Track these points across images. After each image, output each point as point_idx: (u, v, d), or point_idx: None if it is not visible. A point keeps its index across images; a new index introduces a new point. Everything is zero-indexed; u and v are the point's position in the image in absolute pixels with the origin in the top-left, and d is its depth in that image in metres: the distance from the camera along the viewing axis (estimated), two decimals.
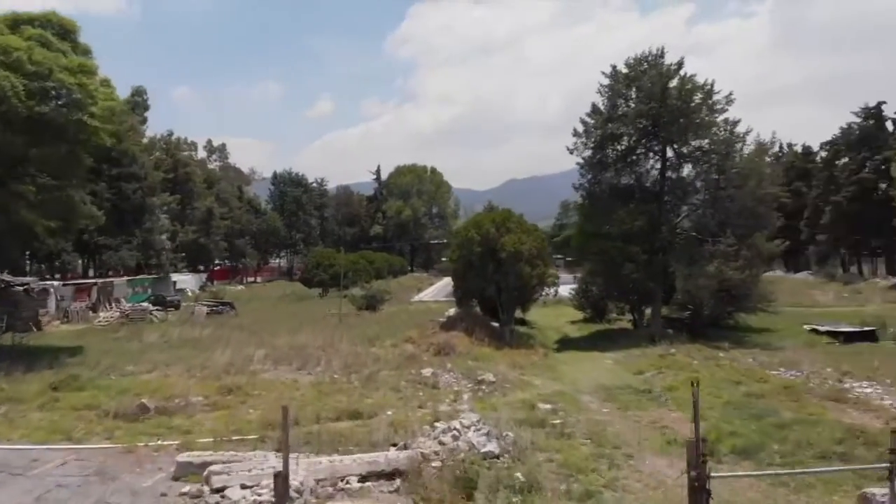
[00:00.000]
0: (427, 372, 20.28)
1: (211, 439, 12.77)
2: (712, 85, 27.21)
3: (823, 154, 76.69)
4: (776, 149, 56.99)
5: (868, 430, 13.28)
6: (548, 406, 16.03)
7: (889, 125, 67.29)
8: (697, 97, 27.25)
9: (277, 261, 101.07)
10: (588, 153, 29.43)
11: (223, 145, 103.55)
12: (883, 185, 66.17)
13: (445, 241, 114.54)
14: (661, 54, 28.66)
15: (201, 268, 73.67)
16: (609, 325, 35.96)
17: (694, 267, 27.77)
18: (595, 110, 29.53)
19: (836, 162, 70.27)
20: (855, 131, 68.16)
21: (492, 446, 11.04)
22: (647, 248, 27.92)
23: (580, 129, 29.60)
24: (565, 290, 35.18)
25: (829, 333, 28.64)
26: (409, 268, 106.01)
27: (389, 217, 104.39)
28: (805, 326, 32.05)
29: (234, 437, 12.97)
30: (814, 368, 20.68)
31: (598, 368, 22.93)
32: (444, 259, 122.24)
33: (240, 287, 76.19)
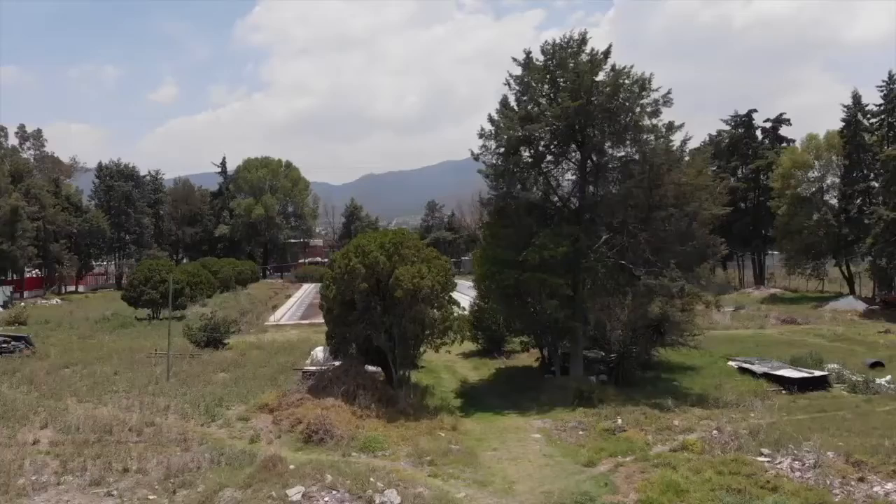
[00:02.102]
0: (295, 496, 13.30)
1: None
2: (649, 79, 22.08)
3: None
4: None
5: None
6: None
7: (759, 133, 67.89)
8: (629, 93, 22.04)
9: (105, 265, 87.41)
10: (496, 159, 23.45)
11: (38, 131, 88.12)
12: (750, 195, 66.75)
13: (303, 240, 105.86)
14: (584, 40, 23.24)
15: (6, 278, 60.65)
16: (507, 360, 30.45)
17: (625, 303, 22.73)
18: (506, 105, 23.62)
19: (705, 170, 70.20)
20: (724, 139, 67.98)
21: None
22: (569, 281, 22.41)
23: (487, 128, 23.59)
24: None
25: (770, 378, 24.75)
26: (262, 273, 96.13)
27: (238, 216, 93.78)
28: (730, 364, 28.28)
29: None
30: (809, 449, 15.98)
31: (529, 453, 16.97)
32: (303, 261, 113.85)
33: (55, 300, 63.69)
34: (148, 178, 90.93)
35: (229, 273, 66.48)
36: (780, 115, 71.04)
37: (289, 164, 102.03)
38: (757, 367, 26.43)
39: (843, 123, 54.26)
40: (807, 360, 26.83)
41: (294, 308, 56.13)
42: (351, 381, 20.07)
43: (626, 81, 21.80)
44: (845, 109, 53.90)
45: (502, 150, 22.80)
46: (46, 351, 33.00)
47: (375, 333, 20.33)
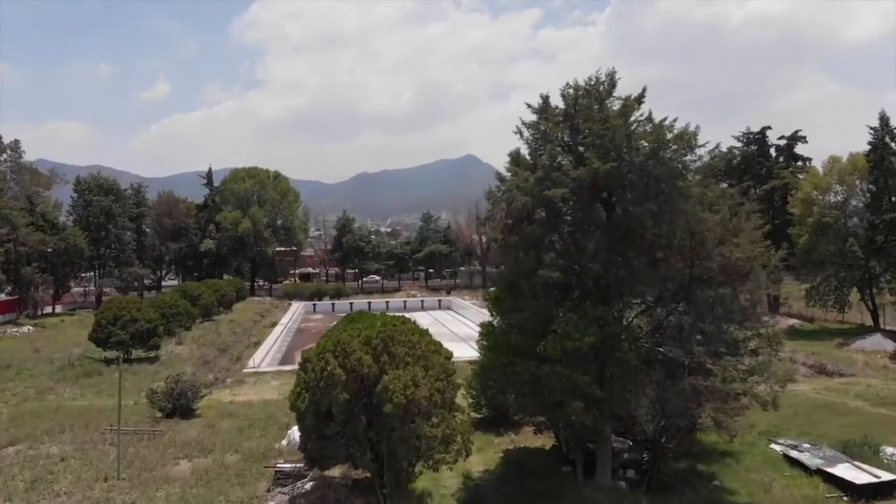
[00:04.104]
0: None
1: None
2: (695, 133, 18.14)
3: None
4: None
5: None
6: None
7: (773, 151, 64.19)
8: (672, 152, 18.14)
9: (84, 286, 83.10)
10: (507, 224, 19.56)
11: (16, 142, 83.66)
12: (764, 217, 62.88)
13: (292, 246, 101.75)
14: (613, 82, 19.35)
15: None
16: (515, 436, 26.60)
17: (665, 393, 18.99)
18: (517, 161, 19.74)
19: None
20: (736, 156, 64.21)
21: None
22: (597, 376, 18.57)
23: (497, 186, 19.74)
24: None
25: (826, 478, 21.06)
26: (251, 289, 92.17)
27: (224, 229, 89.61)
28: (774, 447, 24.55)
29: None
30: None
31: None
32: (294, 272, 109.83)
33: (27, 328, 59.55)
34: (129, 191, 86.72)
35: (210, 299, 62.37)
36: (796, 132, 67.40)
37: (277, 175, 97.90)
38: (808, 459, 22.68)
39: (870, 147, 50.59)
40: (861, 449, 23.13)
41: (278, 343, 52.18)
42: None
43: (669, 136, 17.89)
44: (872, 132, 50.23)
45: (517, 214, 18.85)
46: None
47: (359, 453, 16.46)
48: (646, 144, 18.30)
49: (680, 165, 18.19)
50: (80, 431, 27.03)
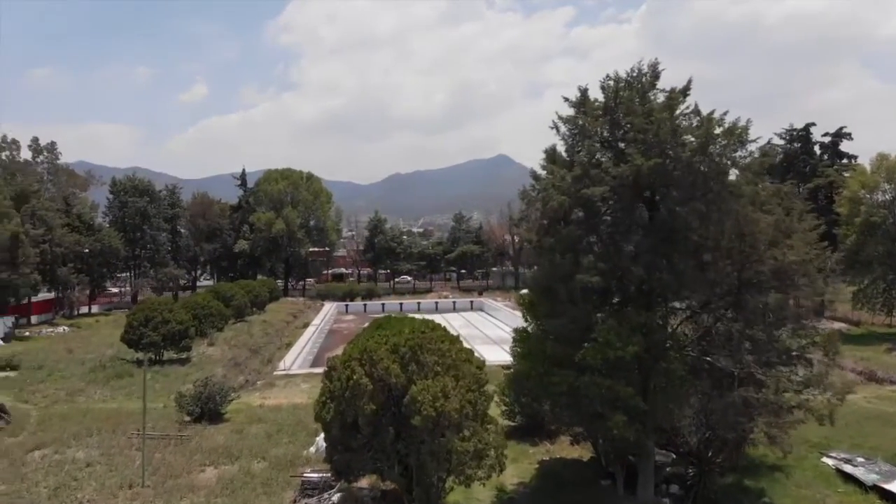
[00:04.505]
0: None
1: None
2: (746, 128, 16.90)
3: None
4: None
5: None
6: None
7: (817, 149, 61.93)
8: (721, 148, 16.92)
9: (120, 287, 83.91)
10: (542, 225, 18.53)
11: (52, 144, 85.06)
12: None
13: (325, 246, 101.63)
14: (656, 74, 18.19)
15: (12, 306, 57.09)
16: (551, 445, 25.51)
17: (714, 403, 17.80)
18: (553, 159, 18.69)
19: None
20: (779, 154, 62.03)
21: None
22: (640, 387, 17.45)
23: (531, 185, 18.74)
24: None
25: (883, 495, 19.67)
26: (284, 290, 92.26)
27: (258, 230, 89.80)
28: (826, 461, 23.11)
29: None
30: None
31: None
32: (326, 272, 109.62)
33: (62, 328, 60.21)
34: (164, 192, 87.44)
35: (243, 300, 62.28)
36: (840, 129, 64.92)
37: (310, 176, 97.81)
38: (863, 474, 21.26)
39: None
40: None
41: (309, 345, 51.72)
42: None
43: (718, 131, 16.69)
44: None
45: (552, 214, 17.79)
46: (23, 421, 28.99)
47: (386, 466, 15.61)
48: (692, 139, 17.12)
49: (729, 162, 16.94)
50: (108, 435, 26.76)
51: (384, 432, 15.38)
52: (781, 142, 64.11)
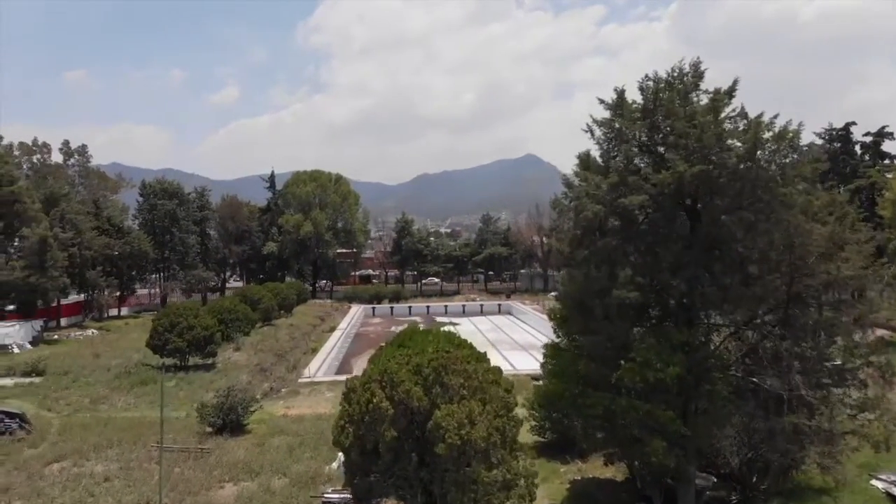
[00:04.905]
0: None
1: None
2: (797, 132, 15.59)
3: None
4: None
5: None
6: None
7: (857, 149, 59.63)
8: (772, 154, 15.63)
9: (149, 289, 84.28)
10: (576, 236, 17.38)
11: (83, 147, 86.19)
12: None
13: (352, 248, 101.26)
14: (699, 73, 16.95)
15: (41, 309, 57.49)
16: (583, 464, 24.30)
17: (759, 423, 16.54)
18: (587, 164, 17.55)
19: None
20: (824, 156, 59.81)
21: None
22: (680, 410, 16.24)
23: (563, 193, 17.63)
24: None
25: None
26: (312, 292, 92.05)
27: (286, 232, 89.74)
28: (876, 484, 21.59)
29: None
30: None
31: None
32: (354, 274, 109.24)
33: (91, 331, 60.43)
34: (193, 195, 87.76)
35: (270, 303, 61.94)
36: (883, 128, 62.45)
37: (338, 178, 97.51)
38: None
39: None
40: None
41: (335, 350, 51.06)
42: None
43: (768, 136, 15.41)
44: None
45: (585, 225, 16.65)
46: (45, 430, 28.67)
47: (409, 494, 14.63)
48: (739, 144, 15.86)
49: (779, 168, 15.64)
50: (128, 447, 26.25)
51: (406, 459, 14.43)
52: (821, 141, 61.88)
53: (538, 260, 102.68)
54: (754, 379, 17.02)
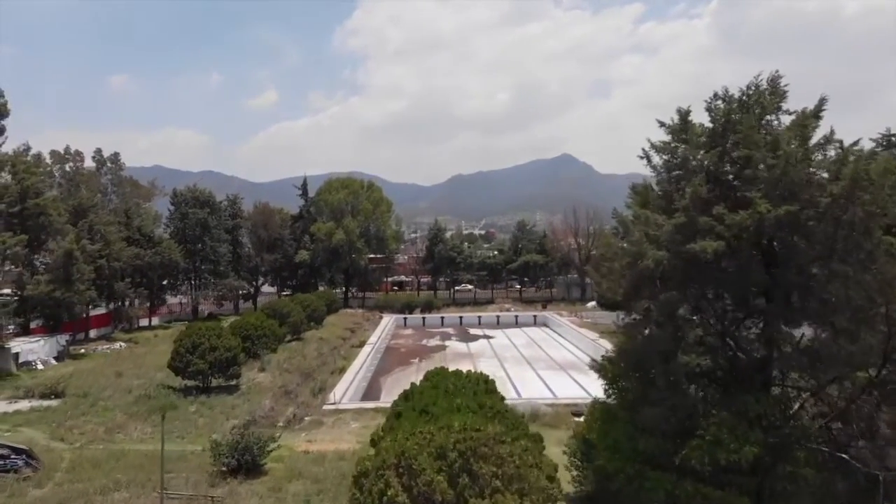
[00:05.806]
0: None
1: None
2: None
3: None
4: None
5: None
6: None
7: None
8: (873, 191, 12.81)
9: (180, 298, 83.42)
10: (633, 286, 14.74)
11: (116, 155, 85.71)
12: None
13: (384, 254, 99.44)
14: (778, 92, 14.18)
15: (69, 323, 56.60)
16: None
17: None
18: (645, 200, 14.93)
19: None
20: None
21: None
22: (754, 495, 13.52)
23: (614, 229, 15.03)
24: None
25: None
26: (344, 300, 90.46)
27: (318, 240, 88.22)
28: None
29: None
30: None
31: None
32: (386, 280, 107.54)
33: (118, 344, 59.39)
34: (225, 203, 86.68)
35: (299, 316, 60.18)
36: None
37: (371, 185, 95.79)
38: None
39: None
40: None
41: (363, 369, 48.89)
42: None
43: (871, 167, 12.61)
44: None
45: (639, 277, 14.01)
46: (54, 466, 26.99)
47: None
48: (827, 176, 13.10)
49: (882, 211, 12.82)
50: (136, 490, 24.33)
51: None
52: (879, 148, 57.69)
53: (575, 266, 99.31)
54: (844, 456, 14.19)
